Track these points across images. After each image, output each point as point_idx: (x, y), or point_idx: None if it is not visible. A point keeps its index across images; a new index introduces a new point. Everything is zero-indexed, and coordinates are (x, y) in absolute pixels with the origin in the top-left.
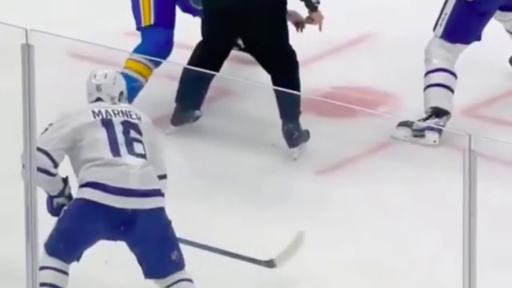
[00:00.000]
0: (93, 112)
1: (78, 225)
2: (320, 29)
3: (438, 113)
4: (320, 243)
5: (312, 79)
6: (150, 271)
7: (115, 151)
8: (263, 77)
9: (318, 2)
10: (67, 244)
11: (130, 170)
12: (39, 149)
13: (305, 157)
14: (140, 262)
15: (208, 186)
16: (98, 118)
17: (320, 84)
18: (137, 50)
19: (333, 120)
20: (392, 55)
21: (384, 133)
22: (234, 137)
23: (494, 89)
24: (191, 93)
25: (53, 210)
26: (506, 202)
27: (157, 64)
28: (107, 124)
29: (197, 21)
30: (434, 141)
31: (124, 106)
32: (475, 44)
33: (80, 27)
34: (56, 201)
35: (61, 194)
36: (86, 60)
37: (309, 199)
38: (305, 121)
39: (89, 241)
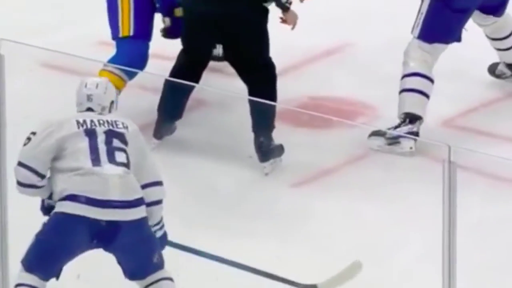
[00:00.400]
0: (78, 122)
1: (57, 240)
2: (292, 28)
3: (411, 119)
4: (298, 257)
5: (288, 89)
6: (131, 274)
7: (96, 160)
8: (240, 88)
9: (289, 2)
10: (45, 260)
11: (110, 180)
12: (23, 165)
13: (281, 169)
14: (121, 265)
15: (184, 198)
16: (82, 129)
17: (297, 95)
18: (112, 61)
19: (310, 131)
20: (369, 65)
21: (361, 144)
22: (211, 148)
23: (473, 99)
24: (174, 105)
25: (45, 210)
26: (485, 214)
27: (131, 76)
28: (90, 134)
29: None
30: (411, 148)
31: (110, 115)
32: (455, 53)
33: (51, 37)
34: (47, 201)
35: (51, 196)
36: (58, 70)
37: (285, 213)
38: (282, 132)
39: (69, 256)
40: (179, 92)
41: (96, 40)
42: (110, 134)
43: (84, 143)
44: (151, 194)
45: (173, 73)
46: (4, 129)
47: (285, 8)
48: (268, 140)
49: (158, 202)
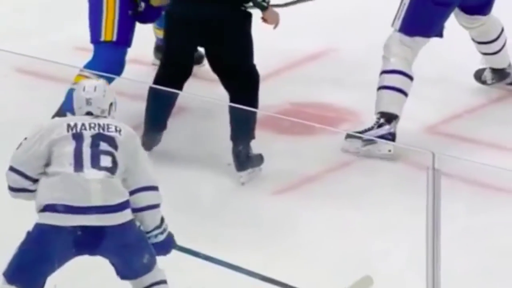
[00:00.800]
0: (68, 125)
1: (38, 252)
2: (274, 27)
3: (388, 118)
4: (281, 266)
5: (270, 95)
6: (122, 275)
7: (78, 165)
8: (221, 94)
9: (267, 2)
10: (27, 271)
11: (91, 185)
12: (14, 169)
13: (263, 177)
14: (113, 265)
15: (163, 207)
16: (71, 132)
17: (278, 101)
18: (89, 66)
19: (292, 138)
20: (353, 70)
21: (343, 152)
22: (192, 156)
23: (458, 105)
24: (161, 115)
25: None
26: (470, 221)
27: (109, 82)
28: (77, 137)
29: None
30: (389, 151)
31: (104, 119)
32: (439, 58)
33: (26, 42)
34: None
35: None
36: (33, 76)
37: (266, 221)
38: (263, 139)
39: (51, 267)
40: (163, 102)
41: (72, 46)
42: (98, 138)
43: (70, 147)
44: (142, 199)
45: (156, 81)
46: None
47: (262, 7)
48: (246, 149)
49: (150, 207)
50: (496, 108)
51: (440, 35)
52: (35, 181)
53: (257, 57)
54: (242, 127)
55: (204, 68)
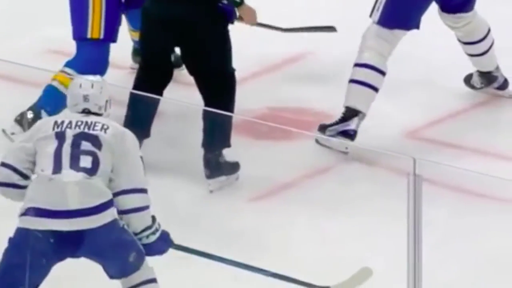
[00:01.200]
0: (55, 123)
1: (19, 259)
2: (252, 25)
3: (353, 114)
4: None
5: (247, 99)
6: (109, 274)
7: (56, 166)
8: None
9: None
10: (11, 277)
11: (68, 188)
12: (4, 164)
13: (238, 183)
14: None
15: None
16: (55, 131)
17: (256, 105)
18: (72, 63)
19: (269, 143)
20: (331, 74)
21: (323, 157)
22: (167, 162)
23: (440, 109)
24: (144, 122)
25: None
26: (452, 228)
27: None
28: (60, 137)
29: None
30: (346, 148)
31: (93, 117)
32: (422, 62)
33: None
34: None
35: None
36: (3, 79)
37: (242, 228)
38: (240, 144)
39: (36, 273)
40: (145, 108)
41: (43, 49)
42: (81, 137)
43: (52, 146)
44: (127, 202)
45: (136, 86)
46: None
47: (236, 3)
48: (216, 156)
49: (136, 210)
50: (479, 113)
51: (417, 27)
52: (25, 177)
53: (233, 60)
54: (214, 133)
55: (184, 72)
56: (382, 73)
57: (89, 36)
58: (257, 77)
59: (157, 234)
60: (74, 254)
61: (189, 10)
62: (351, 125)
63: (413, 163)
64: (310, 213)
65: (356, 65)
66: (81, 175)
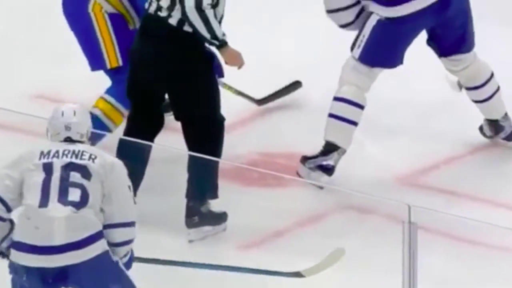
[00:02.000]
0: (42, 152)
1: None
2: (238, 68)
3: (331, 149)
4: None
5: (237, 145)
6: None
7: (44, 200)
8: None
9: (220, 40)
10: None
11: (55, 223)
12: None
13: (228, 231)
14: None
15: None
16: (42, 161)
17: (246, 151)
18: (111, 91)
19: (260, 190)
20: (322, 117)
21: (316, 204)
22: (153, 207)
23: (435, 156)
24: (137, 171)
25: None
26: (447, 275)
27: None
28: (47, 168)
29: None
30: (321, 187)
31: (79, 145)
32: (414, 109)
33: None
34: None
35: (3, 239)
36: None
37: (229, 277)
38: (230, 191)
39: None
40: (135, 156)
41: (31, 94)
42: (69, 168)
43: (39, 178)
44: (115, 235)
45: (126, 133)
46: None
47: (215, 45)
48: (198, 206)
49: (123, 243)
50: (474, 159)
51: (400, 62)
52: (8, 209)
53: (222, 105)
54: (199, 184)
55: (172, 118)
56: (360, 106)
57: (108, 67)
58: (247, 122)
59: (128, 257)
60: (65, 284)
61: (169, 49)
62: (329, 160)
63: (408, 210)
64: (301, 263)
65: (335, 99)
66: (69, 209)
